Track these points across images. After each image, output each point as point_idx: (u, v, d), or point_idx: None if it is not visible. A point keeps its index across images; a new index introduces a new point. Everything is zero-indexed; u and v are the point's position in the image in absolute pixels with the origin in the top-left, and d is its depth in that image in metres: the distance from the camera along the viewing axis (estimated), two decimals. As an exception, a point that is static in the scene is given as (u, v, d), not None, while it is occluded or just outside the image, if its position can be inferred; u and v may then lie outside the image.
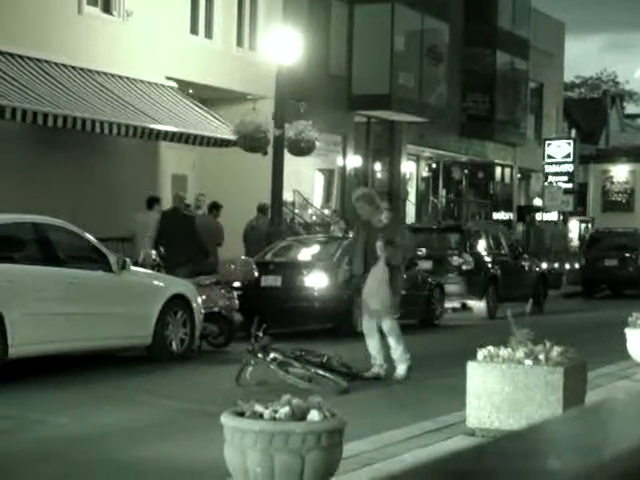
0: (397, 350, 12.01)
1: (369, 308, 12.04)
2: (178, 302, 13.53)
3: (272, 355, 11.04)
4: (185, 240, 16.81)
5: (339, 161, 28.80)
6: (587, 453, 2.04)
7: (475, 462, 1.91)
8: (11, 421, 9.18)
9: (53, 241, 12.56)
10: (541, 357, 8.10)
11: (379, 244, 11.74)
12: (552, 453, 1.96)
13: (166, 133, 19.55)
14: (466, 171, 37.01)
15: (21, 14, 18.45)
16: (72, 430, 8.89)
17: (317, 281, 16.90)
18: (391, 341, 12.06)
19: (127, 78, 20.49)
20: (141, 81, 20.79)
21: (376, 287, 11.85)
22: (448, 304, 20.75)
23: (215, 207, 19.67)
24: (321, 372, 11.09)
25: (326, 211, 25.25)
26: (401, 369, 12.02)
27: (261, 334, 11.23)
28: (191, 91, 22.24)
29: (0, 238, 11.98)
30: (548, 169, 38.03)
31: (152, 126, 19.17)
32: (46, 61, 18.79)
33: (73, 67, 19.35)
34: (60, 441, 8.49)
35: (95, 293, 12.65)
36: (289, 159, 21.16)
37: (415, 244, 12.34)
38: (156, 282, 13.84)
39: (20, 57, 18.31)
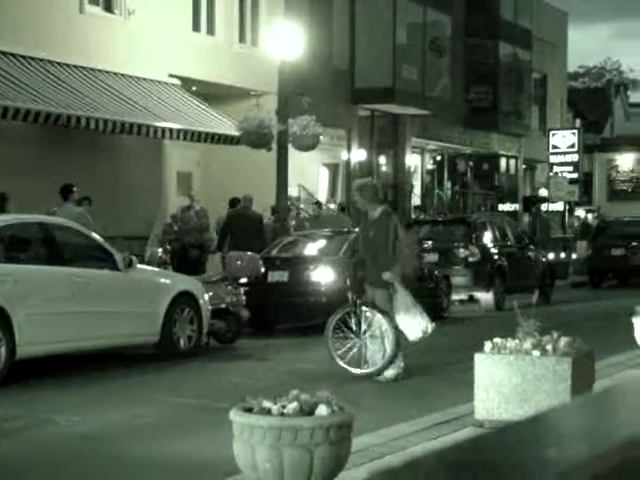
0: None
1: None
2: (185, 299, 13.54)
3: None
4: (254, 238, 18.22)
5: (343, 155, 28.79)
6: (589, 442, 2.04)
7: (475, 453, 1.91)
8: (21, 420, 9.20)
9: (59, 240, 12.58)
10: (549, 348, 8.10)
11: (388, 275, 11.54)
12: (553, 442, 1.96)
13: (170, 130, 19.57)
14: (471, 163, 36.98)
15: (23, 14, 18.46)
16: (82, 428, 8.91)
17: (324, 276, 16.90)
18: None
19: (130, 76, 20.51)
20: (144, 79, 20.80)
21: (410, 310, 11.64)
22: (455, 296, 20.73)
23: (237, 201, 20.10)
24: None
25: (332, 205, 25.23)
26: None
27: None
28: (194, 88, 22.25)
29: (6, 238, 12.01)
30: (553, 159, 37.98)
31: (156, 124, 19.18)
32: (49, 61, 18.81)
33: (76, 66, 19.37)
34: (70, 439, 8.52)
35: (102, 292, 12.66)
36: (293, 154, 21.16)
37: (414, 240, 12.01)
38: (163, 280, 13.86)
39: (23, 57, 18.33)
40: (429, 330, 11.49)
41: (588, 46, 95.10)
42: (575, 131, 39.14)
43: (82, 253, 13.07)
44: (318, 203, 24.30)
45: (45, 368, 12.07)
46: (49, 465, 7.80)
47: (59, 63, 19.01)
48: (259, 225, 19.25)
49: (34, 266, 12.02)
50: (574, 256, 25.35)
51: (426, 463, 1.86)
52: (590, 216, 39.60)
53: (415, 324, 11.44)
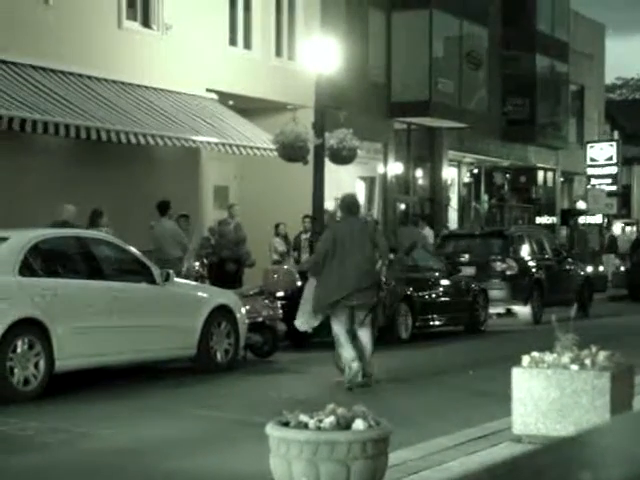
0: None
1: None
2: (222, 313, 13.56)
3: None
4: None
5: (380, 168, 28.77)
6: (626, 465, 2.01)
7: (510, 474, 1.89)
8: (58, 434, 9.24)
9: (97, 254, 12.66)
10: (587, 362, 8.03)
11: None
12: (588, 464, 1.93)
13: (208, 144, 19.65)
14: (508, 176, 36.82)
15: (61, 30, 18.63)
16: (118, 442, 8.94)
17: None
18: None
19: (168, 91, 20.63)
20: (182, 93, 20.91)
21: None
22: (492, 310, 20.65)
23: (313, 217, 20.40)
24: None
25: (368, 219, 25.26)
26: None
27: None
28: (231, 102, 22.33)
29: (45, 252, 12.09)
30: (591, 172, 37.75)
31: (194, 138, 19.27)
32: (87, 76, 18.96)
33: (114, 81, 19.51)
34: (107, 453, 8.54)
35: (139, 305, 12.71)
36: (329, 167, 21.17)
37: (388, 249, 12.88)
38: (200, 293, 13.89)
39: (62, 73, 18.49)
40: (302, 327, 12.79)
41: (626, 58, 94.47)
42: (613, 143, 38.89)
43: (120, 267, 13.13)
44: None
45: (83, 382, 12.13)
46: (84, 479, 7.82)
47: (97, 78, 19.15)
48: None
49: (73, 280, 12.09)
50: (601, 269, 25.11)
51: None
52: (619, 230, 39.31)
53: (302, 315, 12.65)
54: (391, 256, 14.09)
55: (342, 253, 12.03)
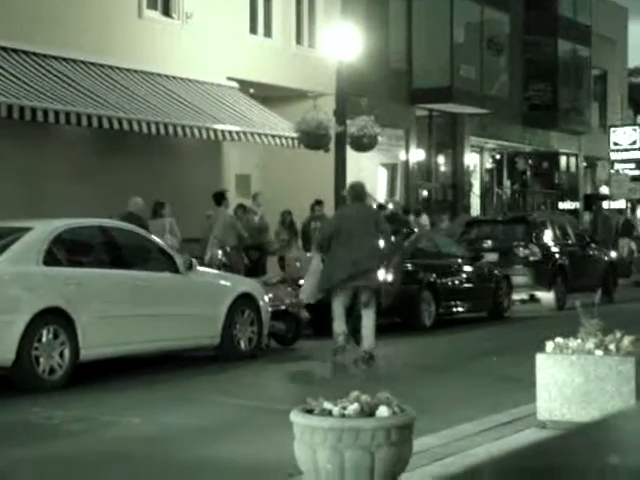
0: None
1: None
2: (245, 301, 13.58)
3: None
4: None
5: (402, 155, 28.72)
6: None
7: (535, 459, 1.88)
8: (83, 423, 9.29)
9: (120, 244, 12.70)
10: (612, 347, 8.00)
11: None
12: (615, 449, 1.92)
13: (229, 133, 19.66)
14: (530, 161, 36.68)
15: (82, 20, 18.67)
16: (144, 430, 8.98)
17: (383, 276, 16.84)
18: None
19: (189, 80, 20.65)
20: (203, 82, 20.93)
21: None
22: (516, 296, 20.58)
23: (318, 203, 20.46)
24: None
25: (390, 205, 25.22)
26: None
27: None
28: (252, 90, 22.33)
29: (68, 242, 12.14)
30: (614, 156, 37.52)
31: (215, 126, 19.29)
32: (109, 66, 19.00)
33: (135, 71, 19.54)
34: (133, 442, 8.59)
35: (162, 294, 12.75)
36: (351, 155, 21.13)
37: (391, 233, 14.14)
38: (223, 282, 13.91)
39: (83, 62, 18.54)
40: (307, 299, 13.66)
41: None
42: (637, 127, 38.62)
43: (143, 256, 13.16)
44: (382, 206, 24.29)
45: (107, 371, 12.18)
46: (110, 467, 7.87)
47: (119, 68, 19.19)
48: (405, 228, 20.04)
49: (96, 269, 12.14)
50: (613, 254, 24.94)
51: (486, 470, 1.83)
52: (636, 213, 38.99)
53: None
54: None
55: (348, 236, 12.80)
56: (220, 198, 18.64)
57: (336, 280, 12.82)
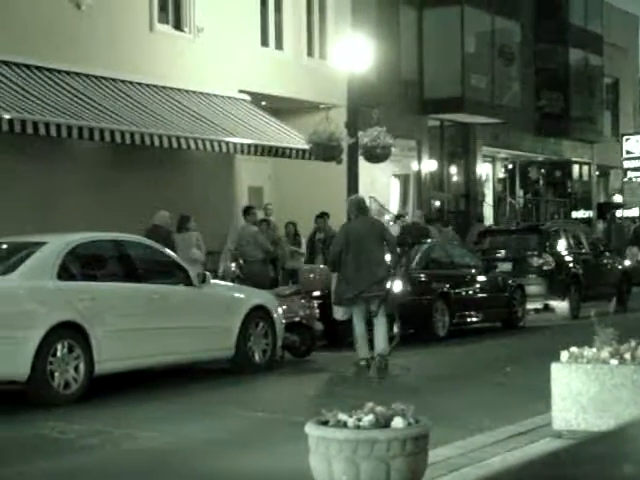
0: None
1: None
2: (259, 313, 13.59)
3: None
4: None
5: (414, 166, 28.71)
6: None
7: (551, 469, 1.88)
8: (100, 436, 9.30)
9: (133, 257, 12.73)
10: (627, 356, 7.98)
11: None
12: (632, 459, 1.92)
13: (242, 146, 19.70)
14: (543, 170, 36.63)
15: (94, 35, 18.75)
16: (159, 443, 8.98)
17: (397, 287, 16.84)
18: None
19: (200, 93, 20.70)
20: (214, 95, 20.98)
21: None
22: (530, 305, 20.54)
23: (322, 215, 20.43)
24: None
25: (410, 216, 25.25)
26: None
27: None
28: (264, 103, 22.37)
29: (82, 256, 12.18)
30: (627, 165, 37.45)
31: (227, 139, 19.32)
32: (121, 80, 19.07)
33: (147, 85, 19.60)
34: (148, 454, 8.59)
35: (177, 307, 12.77)
36: (363, 166, 21.13)
37: (397, 244, 14.62)
38: (237, 294, 13.93)
39: (95, 77, 18.60)
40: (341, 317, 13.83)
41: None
42: (650, 135, 38.55)
43: (157, 269, 13.19)
44: (399, 217, 24.30)
45: (122, 384, 12.20)
46: (128, 480, 7.87)
47: (130, 82, 19.26)
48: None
49: (110, 283, 12.17)
50: (627, 263, 24.84)
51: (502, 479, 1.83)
52: None
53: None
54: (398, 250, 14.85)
55: (356, 249, 13.25)
56: (244, 213, 18.92)
57: (350, 294, 13.25)
